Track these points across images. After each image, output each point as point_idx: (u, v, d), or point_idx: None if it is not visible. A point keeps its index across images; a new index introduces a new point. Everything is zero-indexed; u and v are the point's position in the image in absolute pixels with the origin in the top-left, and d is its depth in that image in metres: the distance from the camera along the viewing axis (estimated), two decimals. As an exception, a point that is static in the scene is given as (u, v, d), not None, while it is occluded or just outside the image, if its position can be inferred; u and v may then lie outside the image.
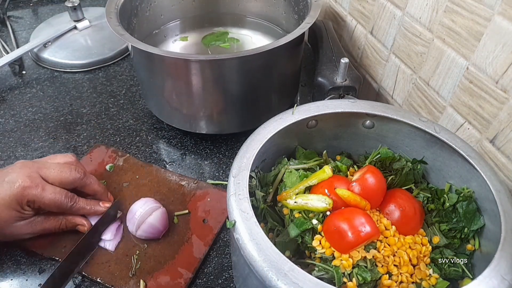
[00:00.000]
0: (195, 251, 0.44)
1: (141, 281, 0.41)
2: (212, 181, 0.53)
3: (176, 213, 0.48)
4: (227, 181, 0.34)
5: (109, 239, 0.44)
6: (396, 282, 0.32)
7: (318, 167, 0.40)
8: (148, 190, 0.50)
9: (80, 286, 0.42)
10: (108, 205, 0.46)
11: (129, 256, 0.44)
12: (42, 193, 0.41)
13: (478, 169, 0.34)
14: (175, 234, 0.46)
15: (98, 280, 0.41)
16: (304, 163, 0.41)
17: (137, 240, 0.45)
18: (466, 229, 0.35)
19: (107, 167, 0.53)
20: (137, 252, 0.44)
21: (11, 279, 0.42)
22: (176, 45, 0.68)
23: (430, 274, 0.34)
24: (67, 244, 0.44)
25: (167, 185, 0.51)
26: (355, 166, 0.42)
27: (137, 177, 0.52)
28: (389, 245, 0.34)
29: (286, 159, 0.41)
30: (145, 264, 0.43)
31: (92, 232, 0.44)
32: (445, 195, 0.38)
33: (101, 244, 0.44)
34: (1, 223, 0.40)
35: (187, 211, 0.48)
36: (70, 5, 0.76)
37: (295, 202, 0.36)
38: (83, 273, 0.42)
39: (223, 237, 0.47)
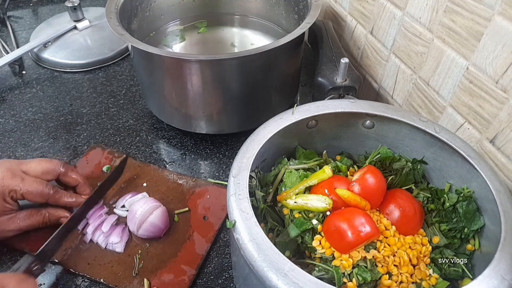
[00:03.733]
0: (197, 248, 0.45)
1: (145, 280, 0.41)
2: (213, 180, 0.53)
3: (176, 211, 0.48)
4: (227, 181, 0.34)
5: (117, 242, 0.44)
6: (396, 282, 0.32)
7: (318, 167, 0.40)
8: (146, 190, 0.50)
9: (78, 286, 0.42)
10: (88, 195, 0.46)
11: (131, 256, 0.44)
12: (22, 182, 0.41)
13: (478, 169, 0.34)
14: (177, 232, 0.46)
15: (101, 280, 0.41)
16: (304, 163, 0.41)
17: (138, 240, 0.45)
18: (466, 229, 0.35)
19: (104, 168, 0.53)
20: (140, 251, 0.44)
21: (11, 279, 0.42)
22: (176, 45, 0.68)
23: (430, 274, 0.34)
24: (67, 246, 0.44)
25: (165, 184, 0.52)
26: (355, 166, 0.42)
27: (134, 177, 0.52)
28: (389, 245, 0.34)
29: (286, 159, 0.41)
30: (148, 263, 0.43)
31: (73, 218, 0.44)
32: (445, 195, 0.38)
33: (109, 247, 0.44)
34: None
35: (187, 209, 0.49)
36: (70, 5, 0.76)
37: (295, 202, 0.36)
38: (86, 274, 0.42)
39: (223, 237, 0.47)
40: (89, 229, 0.45)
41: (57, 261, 0.43)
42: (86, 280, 0.42)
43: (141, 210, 0.44)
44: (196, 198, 0.50)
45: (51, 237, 0.41)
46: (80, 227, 0.46)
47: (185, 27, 0.70)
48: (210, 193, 0.50)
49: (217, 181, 0.53)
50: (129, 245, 0.45)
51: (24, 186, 0.41)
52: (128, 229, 0.46)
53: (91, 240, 0.45)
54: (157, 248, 0.44)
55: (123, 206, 0.48)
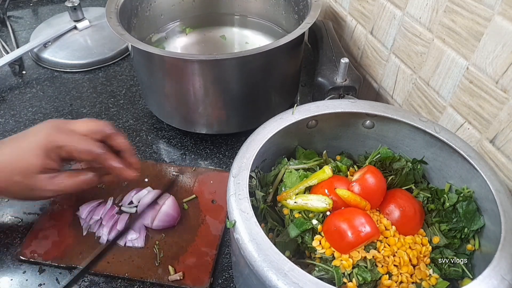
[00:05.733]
0: (212, 230, 0.46)
1: (170, 267, 0.42)
2: (213, 167, 0.54)
3: (184, 200, 0.49)
4: (227, 173, 0.34)
5: (136, 238, 0.45)
6: (396, 282, 0.32)
7: (318, 167, 0.40)
8: (149, 185, 0.51)
9: (98, 284, 0.42)
10: (135, 174, 0.43)
11: (149, 248, 0.45)
12: (70, 138, 0.39)
13: (478, 169, 0.34)
14: (189, 219, 0.47)
15: (126, 275, 0.42)
16: (304, 163, 0.41)
17: (153, 232, 0.46)
18: (466, 229, 0.35)
19: None
20: (157, 242, 0.45)
21: (11, 279, 0.42)
22: (176, 45, 0.68)
23: (430, 274, 0.34)
24: (83, 250, 0.44)
25: (166, 176, 0.52)
26: (355, 166, 0.42)
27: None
28: (389, 245, 0.34)
29: (286, 159, 0.41)
30: (168, 252, 0.44)
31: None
32: (445, 195, 0.38)
33: (129, 244, 0.45)
34: (24, 171, 0.38)
35: (194, 196, 0.50)
36: (70, 5, 0.76)
37: (295, 202, 0.36)
38: (107, 273, 0.42)
39: (223, 237, 0.47)
40: (104, 230, 0.45)
41: (74, 266, 0.43)
42: (108, 278, 0.42)
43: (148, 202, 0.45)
44: (200, 185, 0.51)
45: (96, 253, 0.39)
46: (93, 230, 0.46)
47: (167, 33, 0.70)
48: (213, 178, 0.52)
49: (217, 168, 0.54)
50: (146, 238, 0.45)
51: (72, 142, 0.39)
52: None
53: (107, 241, 0.45)
54: (173, 237, 0.46)
55: (131, 203, 0.49)
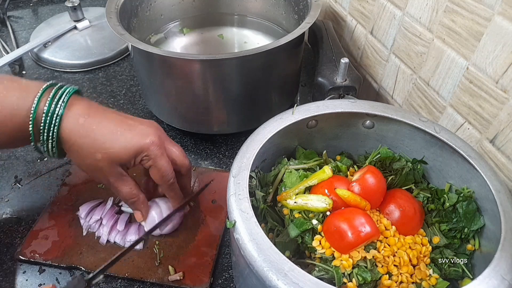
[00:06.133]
0: (212, 230, 0.46)
1: (170, 267, 0.42)
2: (213, 167, 0.54)
3: None
4: (227, 171, 0.34)
5: (135, 240, 0.44)
6: (396, 282, 0.32)
7: (318, 167, 0.40)
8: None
9: (98, 284, 0.42)
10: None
11: (149, 248, 0.44)
12: (160, 155, 0.40)
13: (478, 169, 0.34)
14: (189, 219, 0.48)
15: (126, 276, 0.42)
16: (304, 163, 0.41)
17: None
18: (466, 229, 0.35)
19: None
20: (157, 242, 0.45)
21: (11, 279, 0.42)
22: (176, 45, 0.68)
23: (430, 274, 0.34)
24: (83, 250, 0.44)
25: None
26: (355, 166, 0.42)
27: (134, 174, 0.52)
28: (389, 245, 0.34)
29: (286, 159, 0.41)
30: (168, 252, 0.44)
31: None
32: (445, 195, 0.38)
33: (127, 246, 0.44)
34: (110, 155, 0.38)
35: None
36: (70, 5, 0.76)
37: (295, 202, 0.36)
38: (107, 273, 0.42)
39: (223, 237, 0.47)
40: (104, 231, 0.45)
41: (74, 266, 0.43)
42: (109, 278, 0.42)
43: (158, 214, 0.44)
44: (200, 185, 0.51)
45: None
46: (92, 230, 0.46)
47: (185, 28, 0.70)
48: (213, 178, 0.52)
49: (217, 168, 0.54)
50: (144, 241, 0.45)
51: (160, 160, 0.39)
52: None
53: (107, 241, 0.45)
54: (173, 237, 0.46)
55: None
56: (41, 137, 0.37)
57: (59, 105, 0.37)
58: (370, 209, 0.36)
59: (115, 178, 0.40)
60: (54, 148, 0.38)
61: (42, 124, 0.37)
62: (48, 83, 0.38)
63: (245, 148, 0.36)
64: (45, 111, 0.36)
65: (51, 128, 0.37)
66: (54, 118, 0.37)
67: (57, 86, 0.38)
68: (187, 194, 0.46)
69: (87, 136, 0.38)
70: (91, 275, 0.35)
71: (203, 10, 0.72)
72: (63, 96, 0.38)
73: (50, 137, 0.37)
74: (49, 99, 0.37)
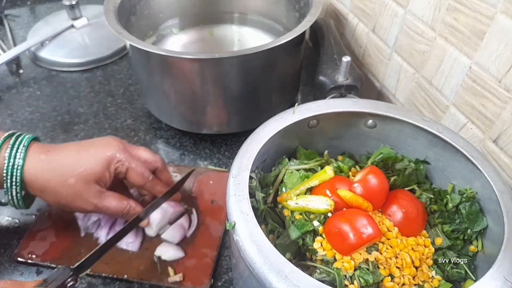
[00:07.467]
0: (212, 231, 0.46)
1: (169, 268, 0.42)
2: (213, 167, 0.54)
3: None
4: (227, 170, 0.34)
5: (132, 241, 0.44)
6: (398, 284, 0.32)
7: (319, 168, 0.40)
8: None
9: (96, 286, 0.41)
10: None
11: (149, 249, 0.44)
12: (131, 159, 0.42)
13: (481, 169, 0.34)
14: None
15: (125, 277, 0.41)
16: (305, 164, 0.40)
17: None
18: (469, 230, 0.35)
19: None
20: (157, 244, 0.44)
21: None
22: (175, 44, 0.67)
23: (432, 276, 0.33)
24: (81, 252, 0.43)
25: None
26: (357, 167, 0.41)
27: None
28: (391, 247, 0.34)
29: (286, 159, 0.41)
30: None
31: (139, 216, 0.43)
32: (448, 196, 0.37)
33: (123, 246, 0.44)
34: (82, 175, 0.39)
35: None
36: (68, 3, 0.75)
37: (296, 203, 0.36)
38: (106, 274, 0.41)
39: (223, 239, 0.46)
40: (102, 232, 0.45)
41: (72, 267, 0.42)
42: (107, 279, 0.42)
43: (160, 213, 0.44)
44: (200, 185, 0.51)
45: (94, 250, 0.38)
46: (91, 231, 0.45)
47: (184, 26, 0.70)
48: (213, 178, 0.51)
49: (217, 168, 0.53)
50: (144, 240, 0.45)
51: (131, 163, 0.42)
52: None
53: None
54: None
55: None
56: (5, 184, 0.38)
57: (18, 154, 0.38)
58: (372, 210, 0.35)
59: (97, 198, 0.40)
60: (18, 194, 0.39)
61: (4, 172, 0.38)
62: (6, 134, 0.40)
63: (245, 148, 0.36)
64: (5, 163, 0.38)
65: (14, 173, 0.38)
66: (15, 168, 0.38)
67: (15, 136, 0.40)
68: (172, 185, 0.46)
69: (53, 168, 0.39)
70: (76, 264, 0.35)
71: (203, 9, 0.71)
72: (21, 145, 0.39)
73: (14, 183, 0.38)
74: (8, 148, 0.38)
